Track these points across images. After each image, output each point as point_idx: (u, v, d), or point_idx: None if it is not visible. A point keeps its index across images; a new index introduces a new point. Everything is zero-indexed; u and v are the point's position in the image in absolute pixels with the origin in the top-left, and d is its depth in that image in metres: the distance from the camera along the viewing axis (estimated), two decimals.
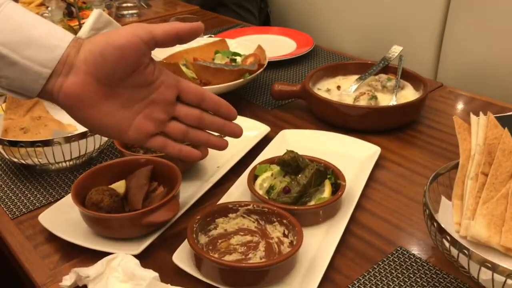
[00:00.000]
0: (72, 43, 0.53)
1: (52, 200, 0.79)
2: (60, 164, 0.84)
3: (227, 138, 0.65)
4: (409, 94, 1.04)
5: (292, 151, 0.74)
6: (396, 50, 1.13)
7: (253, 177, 0.76)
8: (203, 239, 0.66)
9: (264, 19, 2.43)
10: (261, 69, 1.07)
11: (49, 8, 1.33)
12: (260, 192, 0.73)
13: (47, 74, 0.52)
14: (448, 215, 0.65)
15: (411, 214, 0.74)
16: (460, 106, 1.08)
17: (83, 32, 1.31)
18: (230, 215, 0.69)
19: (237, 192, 0.78)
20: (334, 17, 2.21)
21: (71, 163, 0.85)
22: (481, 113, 0.72)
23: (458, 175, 0.69)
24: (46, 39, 0.52)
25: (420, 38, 1.94)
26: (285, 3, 2.41)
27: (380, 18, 2.05)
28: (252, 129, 0.96)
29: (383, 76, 1.07)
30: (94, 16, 1.30)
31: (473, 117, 0.72)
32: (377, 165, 0.86)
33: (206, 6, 1.98)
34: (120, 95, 0.56)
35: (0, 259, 0.81)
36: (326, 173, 0.74)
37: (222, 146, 0.64)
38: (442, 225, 0.58)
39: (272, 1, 2.44)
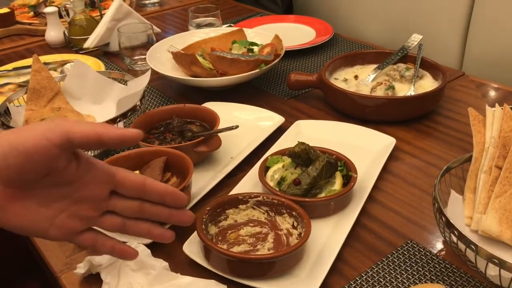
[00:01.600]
0: None
1: None
2: None
3: None
4: (427, 83, 1.02)
5: (303, 143, 0.74)
6: (415, 38, 1.11)
7: (265, 169, 0.77)
8: (213, 229, 0.67)
9: (286, 7, 2.41)
10: (277, 59, 1.07)
11: (71, 0, 1.35)
12: (271, 183, 0.74)
13: None
14: (457, 209, 0.64)
15: (424, 207, 0.74)
16: (481, 96, 1.05)
17: (103, 22, 1.34)
18: (240, 206, 0.69)
19: (249, 183, 0.78)
20: (357, 4, 2.18)
21: (88, 153, 0.87)
22: (496, 105, 0.71)
23: (471, 168, 0.68)
24: None
25: (445, 25, 1.90)
26: None
27: (403, 5, 2.00)
28: (266, 119, 0.96)
29: (402, 66, 1.05)
30: (114, 6, 1.32)
31: (488, 109, 0.71)
32: (392, 157, 0.85)
33: None
34: (35, 195, 0.50)
35: (21, 247, 0.84)
36: (337, 165, 0.74)
37: (167, 239, 0.56)
38: (451, 220, 0.57)
39: None
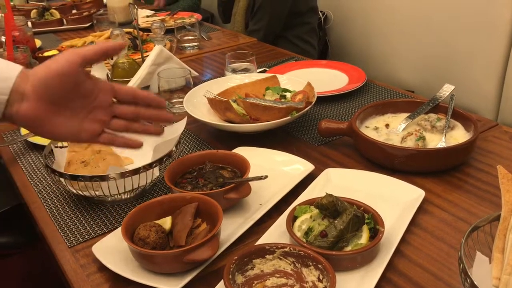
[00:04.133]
0: (20, 74, 0.67)
1: (106, 231, 0.85)
2: (115, 196, 0.90)
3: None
4: (459, 134, 1.03)
5: (330, 195, 0.76)
6: (447, 89, 1.11)
7: (293, 218, 0.78)
8: (239, 278, 0.69)
9: (322, 49, 2.46)
10: (309, 107, 1.10)
11: None
12: (298, 234, 0.75)
13: (4, 100, 0.66)
14: (483, 269, 0.64)
15: (451, 264, 0.73)
16: None
17: (145, 66, 1.41)
18: (267, 256, 0.71)
19: (277, 231, 0.80)
20: (391, 49, 2.21)
21: (125, 195, 0.91)
22: None
23: (500, 228, 0.67)
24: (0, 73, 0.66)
25: (481, 71, 1.89)
26: (343, 35, 2.43)
27: (438, 50, 2.02)
28: (296, 166, 0.99)
29: (433, 116, 1.06)
30: (155, 51, 1.39)
31: None
32: (421, 209, 0.85)
33: (267, 39, 2.04)
34: (67, 109, 0.70)
35: (58, 285, 0.88)
36: (364, 218, 0.74)
37: (158, 132, 0.79)
38: (475, 282, 0.57)
39: (331, 31, 2.47)
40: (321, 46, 2.46)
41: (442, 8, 1.96)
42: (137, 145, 0.77)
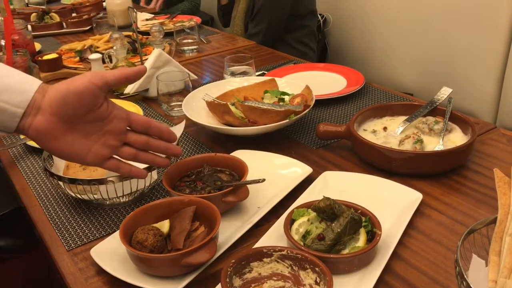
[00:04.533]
0: (38, 89, 0.68)
1: (105, 234, 0.86)
2: (114, 200, 0.91)
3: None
4: (457, 137, 1.03)
5: (328, 198, 0.76)
6: (445, 92, 1.12)
7: (290, 221, 0.79)
8: (237, 282, 0.69)
9: (321, 52, 2.47)
10: (307, 110, 1.10)
11: (114, 48, 1.44)
12: (296, 237, 0.76)
13: (21, 113, 0.67)
14: (480, 273, 0.64)
15: (448, 266, 0.73)
16: (511, 150, 1.04)
17: None
18: (265, 259, 0.71)
19: (275, 234, 0.80)
20: (390, 51, 2.21)
21: (123, 199, 0.92)
22: None
23: (496, 231, 0.67)
24: (19, 86, 0.67)
25: (480, 73, 1.90)
26: (342, 37, 2.44)
27: (438, 53, 2.02)
28: (294, 169, 0.99)
29: (431, 119, 1.06)
30: (154, 55, 1.39)
31: None
32: (418, 212, 0.86)
33: (266, 42, 2.05)
34: (79, 129, 0.71)
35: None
36: (361, 221, 0.75)
37: (165, 164, 0.80)
38: (471, 284, 0.57)
39: (330, 34, 2.48)
40: (320, 49, 2.46)
41: (441, 11, 1.97)
42: (142, 176, 0.79)
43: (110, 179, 0.85)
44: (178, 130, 0.94)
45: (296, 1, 2.08)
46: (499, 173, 0.72)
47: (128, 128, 0.75)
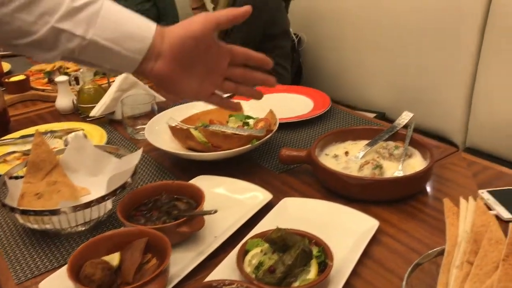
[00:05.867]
0: (156, 33, 0.72)
1: (57, 265, 0.84)
2: (69, 229, 0.89)
3: None
4: (416, 162, 1.03)
5: (279, 229, 0.75)
6: (405, 117, 1.13)
7: (244, 252, 0.78)
8: None
9: (296, 72, 2.48)
10: (269, 135, 1.10)
11: (81, 70, 1.43)
12: (249, 269, 0.75)
13: (140, 59, 0.72)
14: None
15: None
16: (471, 175, 1.05)
17: (110, 93, 1.40)
18: None
19: (229, 266, 0.79)
20: (364, 71, 2.24)
21: (79, 228, 0.90)
22: (470, 197, 0.72)
23: (444, 262, 0.68)
24: (137, 33, 0.71)
25: (450, 93, 1.93)
26: (316, 57, 2.46)
27: (410, 72, 2.05)
28: (255, 195, 0.98)
29: (391, 144, 1.07)
30: (120, 77, 1.38)
31: (462, 201, 0.71)
32: (374, 240, 0.85)
33: None
34: (193, 70, 0.76)
35: None
36: (312, 253, 0.74)
37: (260, 97, 0.87)
38: None
39: (305, 53, 2.50)
40: (295, 69, 2.48)
41: (411, 32, 2.00)
42: (239, 107, 0.88)
43: (63, 209, 0.83)
44: (135, 158, 0.93)
45: (269, 22, 2.10)
46: (449, 203, 0.72)
47: None
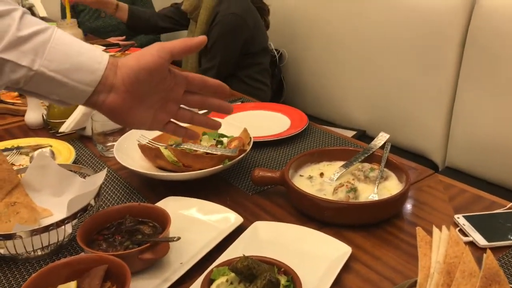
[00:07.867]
0: (109, 65, 0.69)
1: None
2: (26, 254, 0.84)
3: None
4: (392, 185, 1.01)
5: (246, 258, 0.72)
6: (382, 138, 1.11)
7: (208, 281, 0.74)
8: None
9: (277, 85, 2.46)
10: (242, 156, 1.07)
11: None
12: None
13: (90, 91, 0.69)
14: None
15: None
16: (447, 199, 1.03)
17: (80, 108, 1.36)
18: None
19: None
20: (344, 88, 2.23)
21: (37, 253, 0.85)
22: (444, 227, 0.69)
23: None
24: (88, 64, 0.68)
25: (430, 111, 1.92)
26: (297, 73, 2.44)
27: (390, 91, 2.04)
28: (225, 218, 0.94)
29: (366, 166, 1.04)
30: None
31: (435, 230, 0.68)
32: (346, 267, 0.82)
33: (220, 78, 2.02)
34: (147, 101, 0.74)
35: None
36: (279, 284, 0.70)
37: (218, 127, 0.86)
38: None
39: (286, 69, 2.48)
40: (276, 84, 2.46)
41: (392, 49, 1.99)
42: (196, 136, 0.86)
43: (19, 233, 0.79)
44: (98, 179, 0.89)
45: (249, 39, 2.08)
46: (421, 232, 0.69)
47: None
